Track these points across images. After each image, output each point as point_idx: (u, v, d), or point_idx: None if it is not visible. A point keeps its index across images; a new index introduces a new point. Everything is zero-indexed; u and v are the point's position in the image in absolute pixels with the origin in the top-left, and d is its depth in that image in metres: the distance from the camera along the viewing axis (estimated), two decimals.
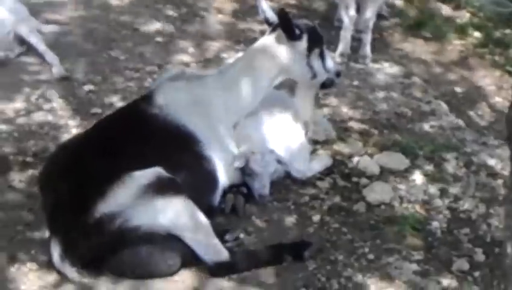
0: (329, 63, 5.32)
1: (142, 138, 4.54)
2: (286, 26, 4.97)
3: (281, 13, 4.95)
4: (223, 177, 4.82)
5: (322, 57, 5.21)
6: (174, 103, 4.79)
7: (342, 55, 7.81)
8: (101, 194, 4.06)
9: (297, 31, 5.00)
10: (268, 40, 5.12)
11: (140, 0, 8.70)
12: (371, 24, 7.96)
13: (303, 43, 5.06)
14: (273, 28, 5.12)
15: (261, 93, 5.13)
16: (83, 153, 4.42)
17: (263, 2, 5.25)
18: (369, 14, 7.90)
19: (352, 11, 7.81)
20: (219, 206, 4.84)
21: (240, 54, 6.98)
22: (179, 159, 4.51)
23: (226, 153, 4.88)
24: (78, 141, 4.71)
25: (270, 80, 5.13)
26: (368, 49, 7.94)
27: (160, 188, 4.12)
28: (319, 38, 5.21)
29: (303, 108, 5.52)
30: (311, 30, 5.15)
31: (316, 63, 5.17)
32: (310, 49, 5.10)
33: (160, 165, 4.25)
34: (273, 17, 5.17)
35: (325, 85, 5.43)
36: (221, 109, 4.97)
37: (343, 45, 7.85)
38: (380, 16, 8.55)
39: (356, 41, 8.01)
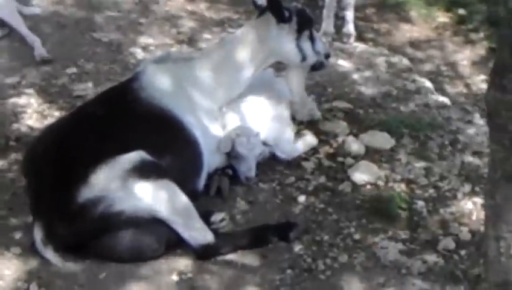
0: (319, 45, 5.35)
1: (127, 121, 4.48)
2: (276, 9, 4.96)
3: None
4: (209, 161, 4.78)
5: (311, 39, 5.23)
6: (159, 85, 4.74)
7: (325, 34, 7.76)
8: (84, 179, 4.03)
9: (286, 14, 5.00)
10: (257, 22, 5.11)
11: None
12: (353, 1, 7.92)
13: (292, 26, 5.08)
14: (262, 10, 5.11)
15: (248, 76, 5.12)
16: (66, 137, 4.37)
17: None
18: None
19: None
20: (204, 189, 4.80)
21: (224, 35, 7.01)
22: (164, 143, 4.46)
23: (211, 137, 4.84)
24: (62, 125, 4.66)
25: (259, 63, 5.13)
26: (351, 27, 7.89)
27: (143, 171, 4.08)
28: (309, 20, 5.24)
29: (293, 90, 5.50)
30: (300, 12, 5.17)
31: (306, 45, 5.19)
32: (299, 32, 5.11)
33: (145, 149, 4.20)
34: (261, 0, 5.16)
35: (315, 67, 5.46)
36: (208, 92, 4.94)
37: (326, 24, 7.81)
38: None
39: (340, 20, 7.96)
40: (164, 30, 7.60)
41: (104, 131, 4.35)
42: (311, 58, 5.30)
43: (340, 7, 7.98)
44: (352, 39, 7.83)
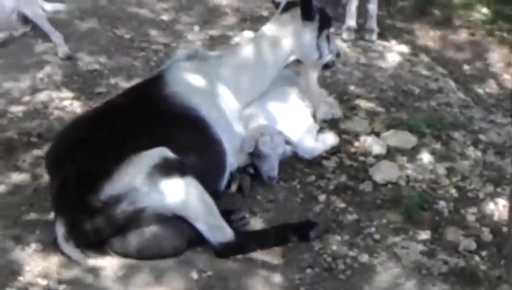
0: (333, 44, 5.39)
1: (151, 118, 4.48)
2: (307, 7, 4.98)
3: None
4: (231, 160, 4.78)
5: (328, 38, 5.22)
6: (184, 83, 4.74)
7: (348, 29, 7.74)
8: (107, 175, 4.03)
9: (312, 12, 5.00)
10: (282, 20, 5.12)
11: None
12: None
13: (315, 24, 5.08)
14: (286, 7, 5.10)
15: (274, 74, 5.14)
16: (90, 133, 4.37)
17: None
18: None
19: None
20: (225, 186, 4.79)
21: (249, 33, 7.00)
22: (188, 141, 4.46)
23: (235, 137, 4.84)
24: (86, 121, 4.67)
25: (283, 60, 5.15)
26: (374, 22, 7.85)
27: (166, 169, 4.07)
28: (329, 19, 5.28)
29: (308, 87, 5.48)
30: (322, 11, 5.18)
31: (323, 44, 5.20)
32: (320, 30, 5.12)
33: (169, 146, 4.19)
34: None
35: (327, 65, 5.46)
36: (233, 91, 4.93)
37: (349, 19, 7.79)
38: None
39: (362, 19, 7.93)
40: (187, 27, 7.61)
41: (127, 127, 4.36)
42: (326, 57, 5.32)
43: (364, 1, 7.94)
44: (375, 36, 7.80)
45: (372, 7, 7.86)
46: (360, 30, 7.84)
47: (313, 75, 5.47)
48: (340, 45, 7.08)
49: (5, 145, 5.26)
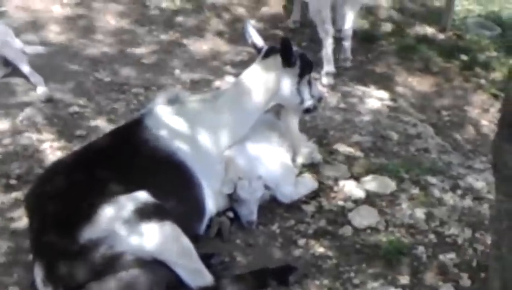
0: (315, 89, 5.40)
1: (131, 162, 4.49)
2: (287, 54, 5.02)
3: (285, 41, 5.03)
4: (211, 205, 4.78)
5: (309, 83, 5.26)
6: (165, 127, 4.75)
7: (327, 74, 7.86)
8: (86, 219, 4.01)
9: (293, 58, 5.04)
10: (263, 65, 5.15)
11: (127, 22, 8.70)
12: (351, 32, 8.12)
13: (296, 70, 5.13)
14: (267, 53, 5.15)
15: (254, 118, 5.17)
16: (70, 176, 4.35)
17: (250, 27, 5.31)
18: (348, 24, 8.09)
19: (328, 26, 7.90)
20: (205, 232, 4.79)
21: (230, 78, 7.04)
22: (168, 185, 4.46)
23: (215, 181, 4.85)
24: (66, 164, 4.64)
25: (263, 105, 5.17)
26: (348, 52, 8.20)
27: (145, 213, 4.06)
28: (310, 65, 5.31)
29: (288, 132, 5.51)
30: (302, 57, 5.21)
31: (305, 89, 5.24)
32: (301, 76, 5.16)
33: (149, 190, 4.19)
34: (260, 42, 5.24)
35: (308, 110, 5.46)
36: (213, 135, 4.94)
37: (328, 64, 7.93)
38: None
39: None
40: (168, 70, 7.65)
41: (107, 171, 4.34)
42: (308, 101, 5.34)
43: (339, 37, 8.14)
44: (349, 62, 8.09)
45: (347, 44, 8.26)
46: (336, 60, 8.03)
47: (294, 120, 5.50)
48: (320, 89, 7.13)
49: None
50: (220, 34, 8.91)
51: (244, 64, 7.62)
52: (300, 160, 5.67)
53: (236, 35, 8.71)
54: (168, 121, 4.79)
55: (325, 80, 7.75)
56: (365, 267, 4.68)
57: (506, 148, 3.05)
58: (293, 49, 5.04)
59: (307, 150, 5.77)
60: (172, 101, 4.96)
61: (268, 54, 5.14)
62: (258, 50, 5.26)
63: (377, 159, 6.06)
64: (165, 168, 4.58)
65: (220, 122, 4.99)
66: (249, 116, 5.13)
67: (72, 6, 8.97)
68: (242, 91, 5.10)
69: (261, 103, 5.15)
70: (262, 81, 5.10)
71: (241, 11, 9.61)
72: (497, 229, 3.25)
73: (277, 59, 5.06)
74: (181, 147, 4.67)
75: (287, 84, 5.13)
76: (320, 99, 5.55)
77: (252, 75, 5.15)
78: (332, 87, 7.61)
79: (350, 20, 8.15)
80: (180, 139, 4.71)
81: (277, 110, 5.43)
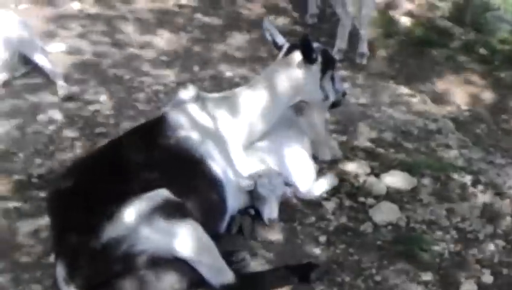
0: (338, 84, 5.41)
1: (153, 160, 4.48)
2: (307, 51, 5.02)
3: (305, 38, 5.03)
4: (232, 202, 4.77)
5: (332, 78, 5.25)
6: (186, 125, 4.75)
7: (339, 51, 7.93)
8: (108, 217, 4.01)
9: (314, 55, 5.03)
10: (284, 62, 5.14)
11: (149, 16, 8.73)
12: (368, 19, 8.12)
13: (317, 66, 5.12)
14: (288, 50, 5.15)
15: (275, 116, 5.16)
16: (91, 174, 4.36)
17: (270, 25, 5.30)
18: (367, 9, 8.08)
19: (350, 7, 7.93)
20: (226, 229, 4.79)
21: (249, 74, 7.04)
22: (189, 183, 4.46)
23: (236, 178, 4.84)
24: (87, 162, 4.65)
25: (286, 102, 5.18)
26: (365, 46, 8.25)
27: (166, 211, 4.05)
28: (332, 60, 5.32)
29: (313, 128, 5.51)
30: (324, 53, 5.21)
31: (328, 85, 5.25)
32: (323, 72, 5.16)
33: (170, 188, 4.19)
34: (280, 39, 5.23)
35: (333, 105, 5.47)
36: (234, 133, 4.95)
37: (341, 41, 8.03)
38: None
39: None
40: (187, 67, 7.66)
41: (129, 169, 4.35)
42: (332, 97, 5.34)
43: (356, 26, 8.15)
44: (365, 59, 8.12)
45: (364, 32, 8.20)
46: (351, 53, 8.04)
47: (319, 116, 5.51)
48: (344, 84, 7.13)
49: (5, 185, 5.26)
50: (238, 29, 8.89)
51: (262, 60, 7.66)
52: (321, 156, 5.68)
53: (255, 32, 8.69)
54: (189, 119, 4.78)
55: (336, 56, 7.75)
56: (387, 264, 4.68)
57: None
58: (313, 46, 5.03)
59: (328, 146, 5.77)
60: (193, 99, 4.95)
61: (289, 51, 5.14)
62: (279, 48, 5.25)
63: (398, 155, 6.05)
64: (187, 166, 4.58)
65: (241, 120, 4.99)
66: (271, 113, 5.11)
67: (91, 4, 9.00)
68: (263, 89, 5.10)
69: (283, 101, 5.15)
70: (283, 79, 5.09)
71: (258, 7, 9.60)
72: None
73: (298, 56, 5.05)
74: (202, 145, 4.67)
75: (310, 81, 5.12)
76: (344, 94, 5.56)
77: (274, 73, 5.15)
78: (352, 83, 7.58)
79: (369, 6, 8.15)
80: (201, 136, 4.71)
81: (299, 106, 5.42)
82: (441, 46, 8.84)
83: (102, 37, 8.11)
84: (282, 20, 9.22)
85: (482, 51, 8.84)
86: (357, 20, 8.22)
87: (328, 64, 5.22)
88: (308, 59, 5.04)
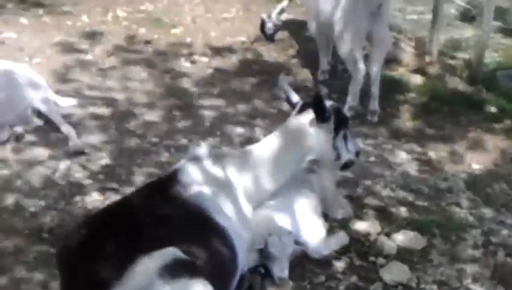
0: (351, 144, 5.38)
1: (163, 217, 4.47)
2: (319, 110, 5.02)
3: (317, 97, 5.04)
4: (242, 260, 4.75)
5: (345, 137, 5.25)
6: (196, 183, 4.75)
7: (351, 108, 7.94)
8: (118, 276, 4.01)
9: (326, 114, 5.04)
10: (297, 121, 5.15)
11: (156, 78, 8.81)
12: (379, 76, 8.19)
13: (330, 125, 5.11)
14: (301, 108, 5.16)
15: (287, 174, 5.15)
16: (102, 231, 4.36)
17: (285, 83, 5.34)
18: (378, 66, 8.08)
19: (361, 65, 7.96)
20: (236, 288, 4.75)
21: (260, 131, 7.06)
22: (199, 241, 4.42)
23: (246, 237, 4.82)
24: (97, 219, 4.65)
25: (297, 161, 5.17)
26: (376, 104, 8.24)
27: (176, 270, 4.03)
28: (345, 119, 5.30)
29: (325, 187, 5.51)
30: (337, 112, 5.20)
31: (341, 144, 5.23)
32: (336, 131, 5.15)
33: (180, 247, 4.17)
34: (295, 97, 5.24)
35: (346, 165, 5.44)
36: (245, 191, 4.95)
37: (353, 99, 8.03)
38: None
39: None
40: (199, 122, 7.69)
41: (139, 227, 4.35)
42: (345, 157, 5.33)
43: (367, 83, 8.19)
44: (376, 117, 8.15)
45: (375, 90, 8.20)
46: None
47: (330, 175, 5.51)
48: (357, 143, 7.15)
49: (14, 239, 5.27)
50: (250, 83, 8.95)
51: (272, 117, 7.70)
52: (332, 215, 5.67)
53: (266, 86, 8.75)
54: (200, 177, 4.79)
55: (347, 114, 7.76)
56: None
57: None
58: (325, 105, 5.04)
59: (339, 205, 5.77)
60: (205, 156, 4.97)
61: (302, 109, 5.15)
62: (293, 105, 5.27)
63: (408, 214, 6.04)
64: (197, 224, 4.56)
65: (252, 178, 4.99)
66: (282, 172, 5.12)
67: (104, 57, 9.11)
68: (275, 147, 5.10)
69: (295, 159, 5.15)
70: (296, 137, 5.10)
71: (271, 62, 9.66)
72: None
73: (311, 115, 5.05)
74: (213, 203, 4.67)
75: (322, 140, 5.11)
76: (357, 153, 5.52)
77: (286, 131, 5.16)
78: (363, 141, 7.59)
79: (379, 63, 8.19)
80: (212, 195, 4.71)
81: (311, 164, 5.42)
82: (451, 104, 8.83)
83: (114, 91, 8.15)
84: (294, 76, 9.25)
85: (494, 109, 8.82)
86: (368, 77, 8.24)
87: (341, 123, 5.20)
88: (320, 118, 5.04)
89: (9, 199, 5.83)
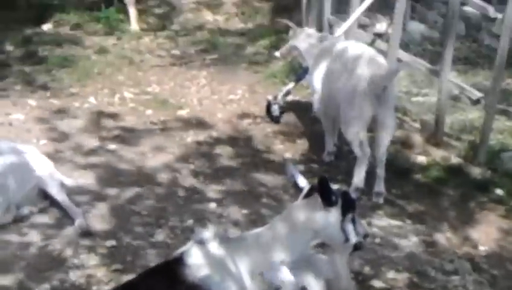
0: (359, 226, 5.38)
1: None
2: (325, 194, 5.04)
3: (322, 181, 5.05)
4: None
5: (353, 220, 5.26)
6: (203, 266, 4.76)
7: (356, 190, 7.92)
8: None
9: (333, 198, 5.06)
10: (303, 205, 5.18)
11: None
12: (385, 158, 8.21)
13: (338, 209, 5.11)
14: (308, 192, 5.19)
15: (293, 257, 5.14)
16: None
17: (292, 167, 5.39)
18: (383, 149, 8.13)
19: (367, 147, 7.99)
20: None
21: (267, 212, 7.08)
22: None
23: None
24: None
25: (304, 244, 5.18)
26: (382, 185, 8.22)
27: None
28: (352, 203, 5.29)
29: (335, 270, 5.50)
30: (344, 195, 5.21)
31: (349, 227, 5.21)
32: (343, 214, 5.15)
33: None
34: (302, 182, 5.27)
35: (355, 247, 5.45)
36: (252, 275, 4.95)
37: (358, 180, 8.01)
38: None
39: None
40: (203, 203, 7.71)
41: None
42: (353, 240, 5.32)
43: (373, 164, 8.25)
44: (382, 198, 8.16)
45: (381, 171, 8.22)
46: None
47: (341, 258, 5.50)
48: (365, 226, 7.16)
49: None
50: (256, 167, 8.98)
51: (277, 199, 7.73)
52: None
53: (273, 167, 8.78)
54: (207, 260, 4.80)
55: (353, 195, 7.75)
56: None
57: None
58: (331, 189, 5.06)
59: (347, 287, 5.75)
60: (211, 239, 4.98)
61: (309, 193, 5.18)
62: (300, 189, 5.30)
63: None
64: None
65: (256, 262, 4.99)
66: (288, 255, 5.11)
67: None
68: (282, 231, 5.12)
69: (302, 244, 5.16)
70: (302, 221, 5.12)
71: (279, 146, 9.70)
72: None
73: (317, 199, 5.07)
74: (221, 285, 4.67)
75: (329, 224, 5.12)
76: (366, 236, 5.53)
77: (292, 215, 5.19)
78: (367, 222, 7.59)
79: (385, 145, 8.23)
80: (219, 279, 4.72)
81: (319, 248, 5.42)
82: (456, 185, 8.85)
83: (126, 177, 8.19)
84: (299, 158, 9.29)
85: (499, 191, 8.83)
86: (373, 159, 8.27)
87: (349, 207, 5.19)
88: (327, 202, 5.06)
89: (11, 279, 5.87)
